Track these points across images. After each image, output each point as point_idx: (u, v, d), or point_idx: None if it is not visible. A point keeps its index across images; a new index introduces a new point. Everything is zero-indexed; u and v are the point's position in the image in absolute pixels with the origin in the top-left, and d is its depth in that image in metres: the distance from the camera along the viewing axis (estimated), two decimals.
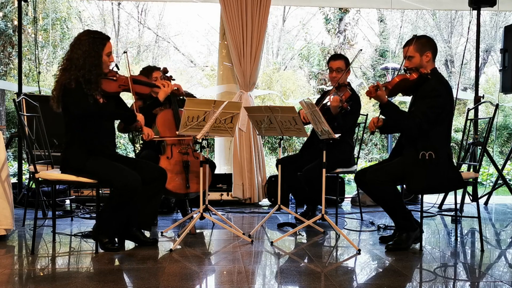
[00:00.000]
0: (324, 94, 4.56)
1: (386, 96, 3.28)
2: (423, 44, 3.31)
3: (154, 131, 3.98)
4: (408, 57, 3.33)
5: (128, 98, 5.56)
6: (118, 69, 3.34)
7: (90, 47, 3.14)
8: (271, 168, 9.89)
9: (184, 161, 3.94)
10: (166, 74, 4.02)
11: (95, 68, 3.14)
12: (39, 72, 5.49)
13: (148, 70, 4.23)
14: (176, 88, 4.04)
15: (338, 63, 4.20)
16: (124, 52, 3.37)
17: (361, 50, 4.19)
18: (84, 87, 3.11)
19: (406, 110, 3.53)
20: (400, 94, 3.49)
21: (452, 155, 3.36)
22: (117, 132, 3.50)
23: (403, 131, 3.46)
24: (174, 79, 4.04)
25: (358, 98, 4.18)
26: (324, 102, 4.01)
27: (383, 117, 3.40)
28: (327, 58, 4.90)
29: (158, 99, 3.42)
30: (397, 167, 3.32)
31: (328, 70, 4.30)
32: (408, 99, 3.67)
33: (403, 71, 3.40)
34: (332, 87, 4.23)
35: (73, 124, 3.18)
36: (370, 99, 3.39)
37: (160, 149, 4.02)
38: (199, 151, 3.84)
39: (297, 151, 4.82)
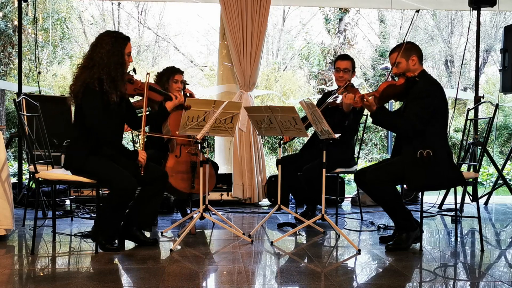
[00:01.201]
0: (327, 94, 4.56)
1: (377, 104, 3.30)
2: (407, 49, 3.37)
3: (165, 130, 4.04)
4: (395, 64, 3.37)
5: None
6: (135, 73, 3.40)
7: (113, 46, 3.16)
8: (271, 168, 9.88)
9: (192, 162, 3.97)
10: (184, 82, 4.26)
11: (120, 66, 3.18)
12: (39, 72, 5.49)
13: (171, 71, 4.24)
14: (188, 94, 4.17)
15: (346, 64, 4.24)
16: (147, 74, 3.39)
17: (352, 78, 4.28)
18: (106, 85, 3.11)
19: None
20: (392, 100, 3.52)
21: (452, 153, 3.36)
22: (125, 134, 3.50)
23: (399, 133, 3.47)
24: (188, 84, 4.30)
25: None
26: (331, 100, 4.03)
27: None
28: (327, 58, 4.93)
29: (166, 108, 3.45)
30: (396, 166, 3.32)
31: (335, 70, 4.33)
32: None
33: (391, 78, 3.44)
34: (334, 86, 4.27)
35: (83, 121, 3.16)
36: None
37: (168, 147, 4.05)
38: (199, 151, 3.86)
39: (297, 151, 4.83)
